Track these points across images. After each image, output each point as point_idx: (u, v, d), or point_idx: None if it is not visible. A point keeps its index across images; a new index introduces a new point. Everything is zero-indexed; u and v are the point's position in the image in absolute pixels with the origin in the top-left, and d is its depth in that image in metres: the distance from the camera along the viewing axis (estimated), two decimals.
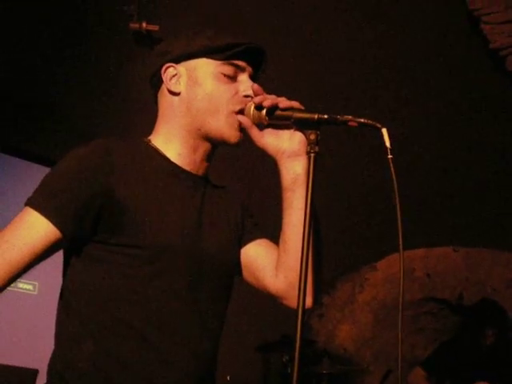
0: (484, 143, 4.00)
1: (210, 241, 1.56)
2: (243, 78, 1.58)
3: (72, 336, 1.46)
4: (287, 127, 1.56)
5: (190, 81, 1.56)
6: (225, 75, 1.56)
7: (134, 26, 3.44)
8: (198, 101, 1.55)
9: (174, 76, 1.57)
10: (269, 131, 1.57)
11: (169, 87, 1.58)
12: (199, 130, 1.56)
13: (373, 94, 3.79)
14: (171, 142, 1.58)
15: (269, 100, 1.52)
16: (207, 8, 3.35)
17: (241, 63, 1.58)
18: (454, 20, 3.19)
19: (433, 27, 3.29)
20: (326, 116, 1.45)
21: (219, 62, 1.55)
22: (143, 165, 1.52)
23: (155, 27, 3.43)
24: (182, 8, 3.39)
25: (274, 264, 1.61)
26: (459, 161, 4.17)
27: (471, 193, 4.42)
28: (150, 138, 1.61)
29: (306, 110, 1.50)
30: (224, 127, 1.55)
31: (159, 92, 1.62)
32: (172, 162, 1.56)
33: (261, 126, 1.57)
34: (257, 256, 1.65)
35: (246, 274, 1.68)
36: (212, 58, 1.56)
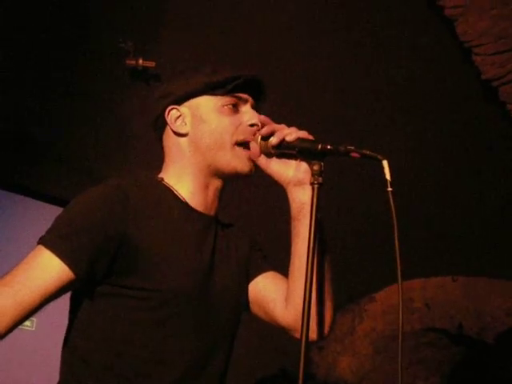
0: (479, 172, 4.03)
1: (220, 284, 1.55)
2: (246, 108, 1.60)
3: (76, 376, 1.44)
4: (294, 157, 1.57)
5: (195, 120, 1.57)
6: (227, 108, 1.57)
7: (130, 62, 3.48)
8: (205, 138, 1.56)
9: (178, 118, 1.58)
10: (276, 160, 1.58)
11: (175, 129, 1.58)
12: (209, 166, 1.57)
13: (372, 126, 3.82)
14: (183, 181, 1.57)
15: (275, 138, 1.52)
16: (204, 44, 3.38)
17: (242, 95, 1.59)
18: (448, 52, 3.24)
19: (429, 61, 3.35)
20: (328, 146, 1.46)
21: (220, 97, 1.57)
22: (158, 206, 1.50)
23: (152, 63, 3.47)
24: (179, 44, 3.43)
25: (283, 296, 1.60)
26: (456, 191, 4.19)
27: (468, 222, 4.43)
28: (161, 176, 1.60)
29: (311, 141, 1.51)
30: (233, 160, 1.56)
31: (164, 134, 1.62)
32: (185, 203, 1.55)
33: (268, 155, 1.58)
34: (265, 289, 1.64)
35: (254, 307, 1.67)
36: (213, 94, 1.57)
